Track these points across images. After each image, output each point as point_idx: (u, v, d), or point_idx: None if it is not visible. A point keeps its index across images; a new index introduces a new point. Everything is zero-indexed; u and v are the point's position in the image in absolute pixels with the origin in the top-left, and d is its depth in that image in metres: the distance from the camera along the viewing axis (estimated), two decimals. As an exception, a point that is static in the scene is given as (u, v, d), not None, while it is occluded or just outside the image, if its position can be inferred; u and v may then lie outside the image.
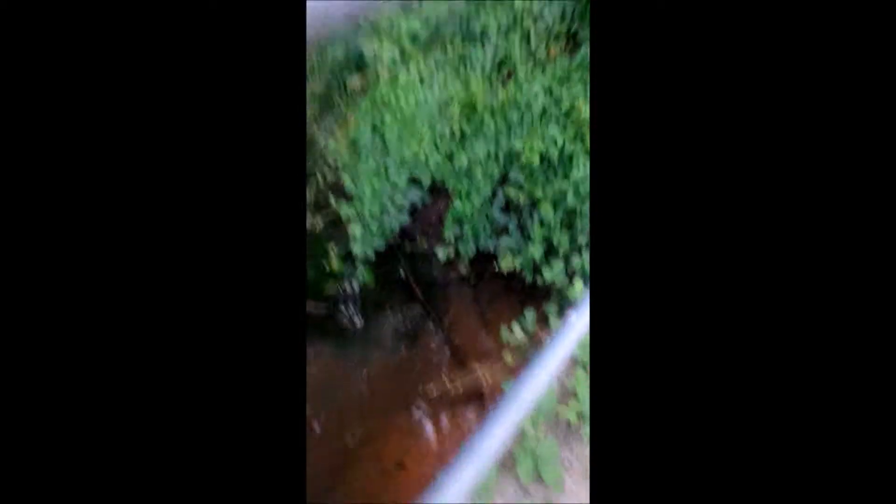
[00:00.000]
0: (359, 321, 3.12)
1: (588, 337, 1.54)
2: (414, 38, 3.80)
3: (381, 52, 3.70)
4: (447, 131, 3.14)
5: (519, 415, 1.50)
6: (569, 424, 2.02)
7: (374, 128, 3.34)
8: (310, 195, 3.50)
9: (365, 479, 2.37)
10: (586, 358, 2.09)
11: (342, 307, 3.19)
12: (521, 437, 1.94)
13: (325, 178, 3.56)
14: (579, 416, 1.99)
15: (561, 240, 2.81)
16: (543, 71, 3.20)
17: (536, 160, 2.90)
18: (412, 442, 2.56)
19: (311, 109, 3.89)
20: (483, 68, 3.37)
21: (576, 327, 1.61)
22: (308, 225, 3.41)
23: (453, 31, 3.71)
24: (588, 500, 1.88)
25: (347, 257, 3.31)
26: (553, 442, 1.92)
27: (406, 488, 2.29)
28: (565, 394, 2.06)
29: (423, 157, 3.15)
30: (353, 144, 3.43)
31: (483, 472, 1.46)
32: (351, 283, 3.27)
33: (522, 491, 1.90)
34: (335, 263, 3.28)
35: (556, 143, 2.88)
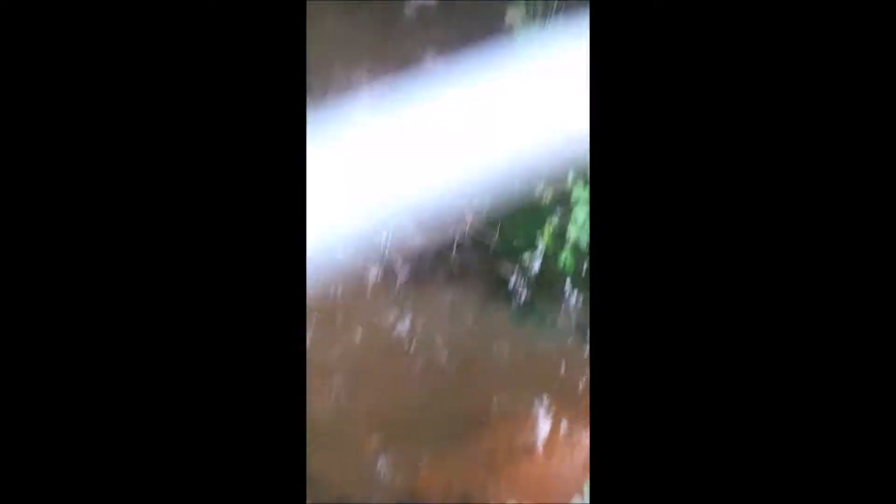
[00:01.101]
0: (526, 293, 3.24)
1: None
2: None
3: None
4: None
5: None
6: None
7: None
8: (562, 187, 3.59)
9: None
10: None
11: (522, 277, 3.34)
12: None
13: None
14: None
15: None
16: None
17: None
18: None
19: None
20: None
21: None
22: (539, 197, 3.55)
23: None
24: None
25: (560, 238, 3.39)
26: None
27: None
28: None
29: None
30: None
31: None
32: (556, 263, 3.36)
33: None
34: (548, 239, 3.40)
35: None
